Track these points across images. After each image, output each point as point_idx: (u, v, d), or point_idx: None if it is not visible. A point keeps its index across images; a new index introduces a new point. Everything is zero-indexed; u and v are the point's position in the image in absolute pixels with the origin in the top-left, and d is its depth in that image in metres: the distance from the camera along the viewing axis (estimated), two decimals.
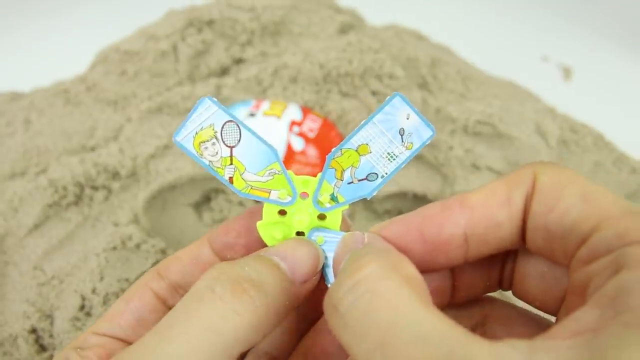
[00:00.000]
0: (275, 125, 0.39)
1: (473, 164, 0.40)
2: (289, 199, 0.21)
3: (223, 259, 0.22)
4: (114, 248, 0.36)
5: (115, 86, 0.45)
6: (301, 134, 0.39)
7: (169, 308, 0.20)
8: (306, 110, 0.41)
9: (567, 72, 0.58)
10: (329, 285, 0.20)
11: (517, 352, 0.13)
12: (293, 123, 0.40)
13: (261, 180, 0.21)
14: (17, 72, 0.53)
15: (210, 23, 0.48)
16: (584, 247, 0.16)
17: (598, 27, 0.61)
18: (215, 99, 0.20)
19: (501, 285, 0.21)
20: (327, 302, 0.16)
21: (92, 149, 0.41)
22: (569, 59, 0.59)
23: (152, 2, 0.54)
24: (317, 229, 0.21)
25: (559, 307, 0.18)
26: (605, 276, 0.14)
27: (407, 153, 0.20)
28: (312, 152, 0.39)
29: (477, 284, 0.20)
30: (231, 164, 0.21)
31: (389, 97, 0.21)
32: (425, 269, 0.18)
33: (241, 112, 0.41)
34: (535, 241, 0.17)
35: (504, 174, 0.19)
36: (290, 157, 0.38)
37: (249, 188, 0.21)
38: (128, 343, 0.21)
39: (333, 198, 0.21)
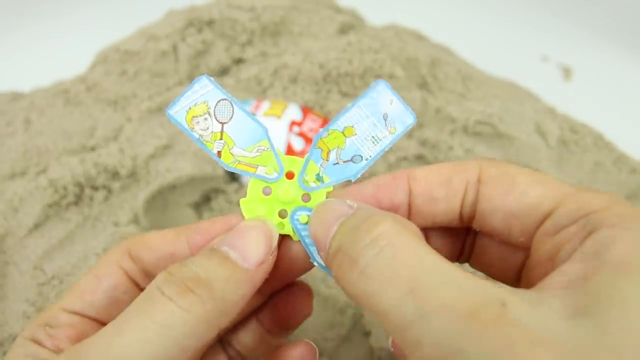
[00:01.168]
0: (275, 125, 0.39)
1: None
2: (276, 175, 0.21)
3: None
4: None
5: (115, 86, 0.45)
6: (301, 134, 0.39)
7: (141, 290, 0.21)
8: (306, 110, 0.41)
9: (567, 72, 0.58)
10: (314, 263, 0.21)
11: (533, 296, 0.14)
12: (293, 123, 0.40)
13: (249, 156, 0.21)
14: (18, 72, 0.53)
15: (210, 23, 0.48)
16: (548, 221, 0.18)
17: (598, 27, 0.61)
18: (212, 78, 0.21)
19: (460, 258, 0.23)
20: (341, 259, 0.17)
21: (92, 149, 0.41)
22: (569, 59, 0.59)
23: (152, 2, 0.54)
24: (300, 207, 0.21)
25: (517, 280, 0.20)
26: (577, 240, 0.16)
27: (390, 137, 0.21)
28: None
29: (441, 251, 0.22)
30: (221, 138, 0.21)
31: (373, 82, 0.21)
32: None
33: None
34: (490, 223, 0.19)
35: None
36: None
37: (237, 162, 0.21)
38: (100, 323, 0.21)
39: (319, 178, 0.21)
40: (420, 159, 0.41)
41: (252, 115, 0.22)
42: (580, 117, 0.47)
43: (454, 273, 0.15)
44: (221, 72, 0.48)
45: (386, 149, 0.21)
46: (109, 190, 0.39)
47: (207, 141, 0.21)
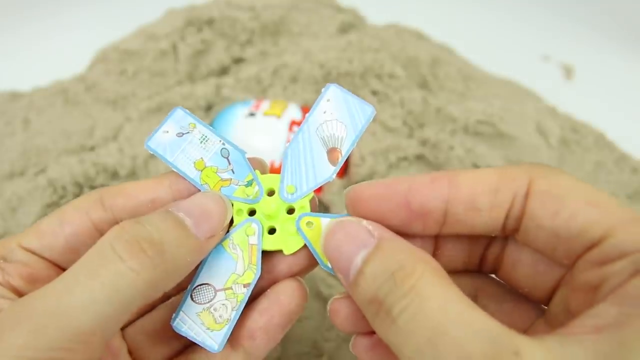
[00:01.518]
0: (275, 125, 0.39)
1: (474, 164, 0.40)
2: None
3: None
4: None
5: (114, 86, 0.45)
6: None
7: None
8: (306, 110, 0.41)
9: (568, 72, 0.58)
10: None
11: (554, 343, 0.14)
12: (293, 123, 0.39)
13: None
14: (17, 72, 0.53)
15: (210, 22, 0.48)
16: (596, 250, 0.17)
17: (599, 26, 0.61)
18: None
19: (482, 267, 0.21)
20: (377, 309, 0.17)
21: (92, 148, 0.41)
22: (570, 58, 0.59)
23: (151, 1, 0.54)
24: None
25: (547, 297, 0.19)
26: (623, 277, 0.15)
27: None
28: None
29: (456, 259, 0.21)
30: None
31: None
32: (399, 234, 0.19)
33: (241, 112, 0.41)
34: (534, 239, 0.18)
35: (501, 166, 0.19)
36: None
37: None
38: (55, 267, 0.21)
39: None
40: (421, 159, 0.41)
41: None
42: (582, 117, 0.47)
43: (476, 322, 0.15)
44: (221, 72, 0.48)
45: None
46: None
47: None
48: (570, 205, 0.17)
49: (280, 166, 0.38)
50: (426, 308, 0.15)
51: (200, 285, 0.21)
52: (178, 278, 0.19)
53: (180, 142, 0.22)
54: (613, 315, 0.14)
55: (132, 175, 0.39)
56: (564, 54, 0.59)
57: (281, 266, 0.22)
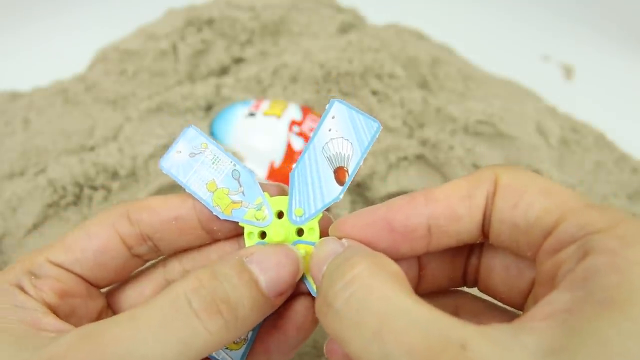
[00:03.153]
0: (275, 125, 0.39)
1: (474, 164, 0.40)
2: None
3: (206, 229, 0.22)
4: None
5: (114, 86, 0.45)
6: (301, 134, 0.39)
7: (134, 256, 0.22)
8: (306, 110, 0.41)
9: (568, 72, 0.58)
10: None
11: (503, 333, 0.14)
12: (293, 123, 0.39)
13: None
14: (16, 72, 0.53)
15: (209, 22, 0.48)
16: (550, 238, 0.17)
17: (599, 26, 0.61)
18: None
19: (466, 281, 0.22)
20: (321, 303, 0.17)
21: (92, 148, 0.41)
22: (570, 58, 0.59)
23: (151, 1, 0.54)
24: (298, 240, 0.22)
25: (524, 301, 0.19)
26: (572, 263, 0.15)
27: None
28: None
29: (441, 275, 0.22)
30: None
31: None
32: (390, 257, 0.19)
33: (241, 112, 0.41)
34: (500, 236, 0.18)
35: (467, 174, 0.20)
36: (290, 156, 0.38)
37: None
38: (85, 281, 0.21)
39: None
40: (421, 159, 0.41)
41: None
42: (582, 117, 0.47)
43: (423, 314, 0.15)
44: (221, 72, 0.48)
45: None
46: (108, 191, 0.39)
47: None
48: (527, 197, 0.18)
49: (281, 167, 0.38)
50: (370, 298, 0.15)
51: None
52: (243, 335, 0.20)
53: (192, 163, 0.22)
54: (564, 301, 0.14)
55: (132, 175, 0.39)
56: (564, 54, 0.59)
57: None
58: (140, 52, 0.46)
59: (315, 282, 0.19)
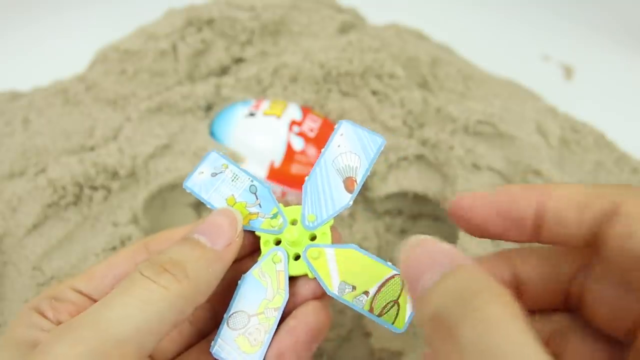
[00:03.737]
0: (275, 125, 0.39)
1: (474, 164, 0.40)
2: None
3: None
4: (113, 248, 0.36)
5: (114, 85, 0.45)
6: (301, 134, 0.39)
7: None
8: (306, 110, 0.41)
9: (568, 71, 0.58)
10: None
11: None
12: (293, 123, 0.39)
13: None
14: (16, 72, 0.53)
15: (209, 22, 0.48)
16: None
17: (599, 26, 0.61)
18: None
19: (568, 305, 0.21)
20: (437, 324, 0.16)
21: (92, 148, 0.41)
22: (570, 58, 0.59)
23: (151, 1, 0.54)
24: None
25: (630, 335, 0.18)
26: None
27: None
28: (312, 151, 0.39)
29: (541, 294, 0.21)
30: (262, 313, 0.23)
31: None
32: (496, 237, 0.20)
33: (241, 112, 0.41)
34: (615, 263, 0.18)
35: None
36: (290, 157, 0.38)
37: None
38: None
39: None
40: (421, 159, 0.41)
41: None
42: (582, 117, 0.47)
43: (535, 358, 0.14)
44: (221, 72, 0.48)
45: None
46: (108, 190, 0.39)
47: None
48: None
49: (281, 167, 0.38)
50: (493, 333, 0.15)
51: (235, 312, 0.22)
52: (207, 289, 0.21)
53: (214, 182, 0.24)
54: None
55: (132, 175, 0.39)
56: (564, 54, 0.59)
57: (305, 289, 0.23)
58: (140, 52, 0.46)
59: (410, 284, 0.19)
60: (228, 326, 0.22)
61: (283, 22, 0.50)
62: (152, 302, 0.19)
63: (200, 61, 0.47)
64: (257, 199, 0.24)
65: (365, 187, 0.40)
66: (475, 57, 0.53)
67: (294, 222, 0.24)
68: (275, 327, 0.22)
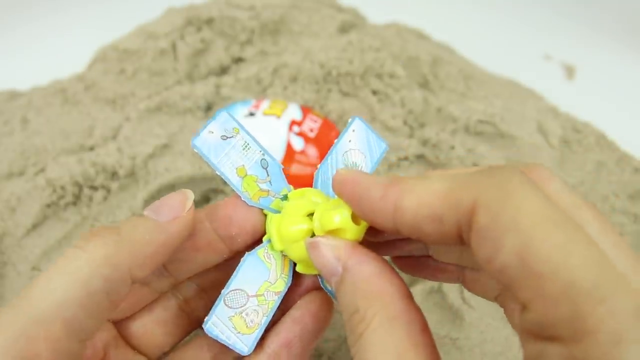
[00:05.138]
0: (275, 125, 0.39)
1: (474, 164, 0.40)
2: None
3: (225, 236, 0.22)
4: None
5: (113, 85, 0.45)
6: (301, 134, 0.39)
7: (144, 285, 0.23)
8: (306, 110, 0.41)
9: (569, 71, 0.58)
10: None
11: None
12: (293, 122, 0.39)
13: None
14: (15, 71, 0.53)
15: (209, 22, 0.48)
16: (525, 316, 0.14)
17: (601, 26, 0.61)
18: (209, 323, 0.21)
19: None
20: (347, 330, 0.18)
21: (91, 148, 0.41)
22: (571, 57, 0.59)
23: (151, 0, 0.54)
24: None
25: (499, 298, 0.20)
26: None
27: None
28: (312, 151, 0.39)
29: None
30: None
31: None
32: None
33: (241, 112, 0.41)
34: (476, 255, 0.16)
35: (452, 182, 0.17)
36: (290, 156, 0.38)
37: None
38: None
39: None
40: (421, 159, 0.41)
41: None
42: (583, 117, 0.47)
43: None
44: (221, 71, 0.48)
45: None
46: (108, 190, 0.39)
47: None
48: (503, 257, 0.14)
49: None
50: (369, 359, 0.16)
51: (234, 290, 0.21)
52: (144, 259, 0.19)
53: (224, 146, 0.22)
54: None
55: (132, 175, 0.39)
56: (565, 54, 0.59)
57: (309, 280, 0.23)
58: (139, 51, 0.46)
59: (326, 279, 0.20)
60: (225, 304, 0.21)
61: (283, 22, 0.49)
62: (74, 271, 0.17)
63: (200, 61, 0.47)
64: (267, 175, 0.23)
65: None
66: (476, 57, 0.53)
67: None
68: (274, 311, 0.21)
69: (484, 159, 0.40)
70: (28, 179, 0.38)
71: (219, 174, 0.22)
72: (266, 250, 0.22)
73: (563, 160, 0.42)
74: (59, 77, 0.48)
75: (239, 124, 0.23)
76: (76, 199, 0.38)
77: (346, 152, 0.23)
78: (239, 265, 0.21)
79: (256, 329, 0.21)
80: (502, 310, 0.20)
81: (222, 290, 0.21)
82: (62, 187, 0.37)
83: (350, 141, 0.23)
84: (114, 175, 0.39)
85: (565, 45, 0.60)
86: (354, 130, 0.24)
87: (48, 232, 0.37)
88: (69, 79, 0.47)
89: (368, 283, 0.18)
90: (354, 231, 0.20)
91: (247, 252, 0.22)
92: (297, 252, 0.21)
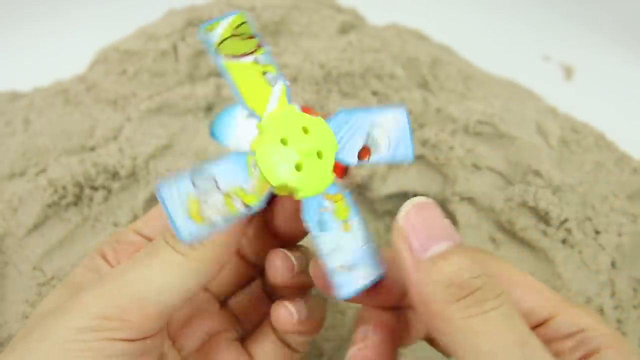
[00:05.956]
0: None
1: (474, 164, 0.40)
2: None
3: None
4: None
5: (115, 86, 0.45)
6: None
7: None
8: (306, 110, 0.41)
9: (568, 72, 0.58)
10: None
11: None
12: None
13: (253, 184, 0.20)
14: (17, 72, 0.53)
15: None
16: (541, 329, 0.20)
17: (600, 26, 0.61)
18: (162, 182, 0.19)
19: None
20: (460, 293, 0.18)
21: (92, 149, 0.41)
22: (570, 58, 0.59)
23: (152, 1, 0.54)
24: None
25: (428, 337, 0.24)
26: (576, 356, 0.19)
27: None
28: None
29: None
30: (230, 197, 0.20)
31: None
32: None
33: (241, 112, 0.41)
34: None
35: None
36: None
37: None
38: None
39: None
40: (421, 159, 0.41)
41: (219, 158, 0.21)
42: (582, 117, 0.47)
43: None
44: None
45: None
46: (109, 191, 0.39)
47: (232, 212, 0.20)
48: (515, 292, 0.20)
49: None
50: (517, 315, 0.17)
51: (206, 175, 0.19)
52: (225, 254, 0.21)
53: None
54: None
55: (133, 175, 0.39)
56: (564, 54, 0.59)
57: (286, 212, 0.23)
58: (140, 52, 0.46)
59: (408, 245, 0.18)
60: (191, 179, 0.19)
61: (283, 23, 0.50)
62: (173, 266, 0.20)
63: (201, 61, 0.47)
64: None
65: (365, 187, 0.40)
66: (475, 58, 0.53)
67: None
68: (233, 221, 0.19)
69: (483, 160, 0.40)
70: (29, 179, 0.39)
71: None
72: (255, 160, 0.20)
73: (562, 161, 0.43)
74: (61, 78, 0.48)
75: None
76: (77, 199, 0.38)
77: (376, 126, 0.22)
78: (224, 156, 0.20)
79: (206, 224, 0.19)
80: None
81: (194, 167, 0.19)
82: (64, 188, 0.37)
83: (385, 121, 0.22)
84: (115, 175, 0.39)
85: (564, 45, 0.60)
86: (394, 118, 0.22)
87: (49, 232, 0.37)
88: (71, 79, 0.48)
89: (487, 264, 0.20)
90: (310, 186, 0.20)
91: (234, 152, 0.20)
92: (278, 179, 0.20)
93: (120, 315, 0.19)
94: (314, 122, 0.21)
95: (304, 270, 0.23)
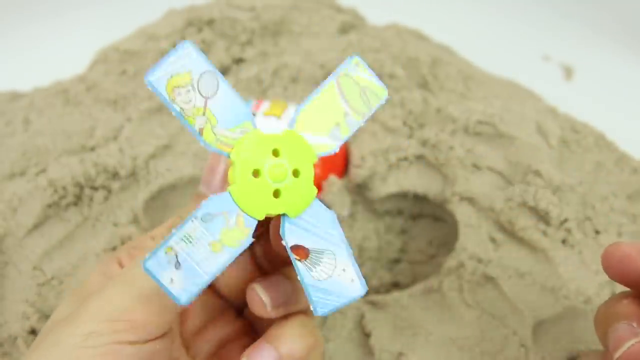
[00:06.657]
0: (275, 125, 0.39)
1: (474, 164, 0.40)
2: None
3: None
4: (114, 248, 0.36)
5: (115, 86, 0.45)
6: None
7: None
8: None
9: (568, 72, 0.58)
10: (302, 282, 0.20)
11: None
12: None
13: (231, 137, 0.20)
14: (17, 72, 0.53)
15: (210, 23, 0.48)
16: None
17: (600, 26, 0.61)
18: (197, 46, 0.19)
19: None
20: None
21: (92, 149, 0.41)
22: (570, 58, 0.59)
23: (152, 1, 0.54)
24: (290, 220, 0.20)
25: None
26: None
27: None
28: None
29: None
30: (204, 114, 0.19)
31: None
32: None
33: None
34: None
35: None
36: None
37: (218, 142, 0.20)
38: None
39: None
40: (421, 159, 0.41)
41: (236, 92, 0.20)
42: (582, 117, 0.47)
43: None
44: (221, 72, 0.48)
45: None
46: (109, 191, 0.39)
47: (188, 116, 0.19)
48: None
49: None
50: None
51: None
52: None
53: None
54: None
55: (133, 175, 0.39)
56: (564, 54, 0.59)
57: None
58: (140, 52, 0.46)
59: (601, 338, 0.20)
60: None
61: (283, 23, 0.50)
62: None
63: None
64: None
65: (365, 187, 0.40)
66: (475, 58, 0.53)
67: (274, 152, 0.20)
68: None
69: (483, 160, 0.40)
70: (29, 179, 0.39)
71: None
72: (232, 198, 0.20)
73: (562, 161, 0.43)
74: (61, 78, 0.48)
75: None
76: (77, 199, 0.38)
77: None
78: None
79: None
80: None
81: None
82: (64, 188, 0.37)
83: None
84: (115, 175, 0.39)
85: (564, 45, 0.60)
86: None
87: (49, 232, 0.37)
88: (71, 79, 0.48)
89: None
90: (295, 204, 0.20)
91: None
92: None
93: (125, 315, 0.19)
94: (284, 138, 0.20)
95: (286, 300, 0.23)
